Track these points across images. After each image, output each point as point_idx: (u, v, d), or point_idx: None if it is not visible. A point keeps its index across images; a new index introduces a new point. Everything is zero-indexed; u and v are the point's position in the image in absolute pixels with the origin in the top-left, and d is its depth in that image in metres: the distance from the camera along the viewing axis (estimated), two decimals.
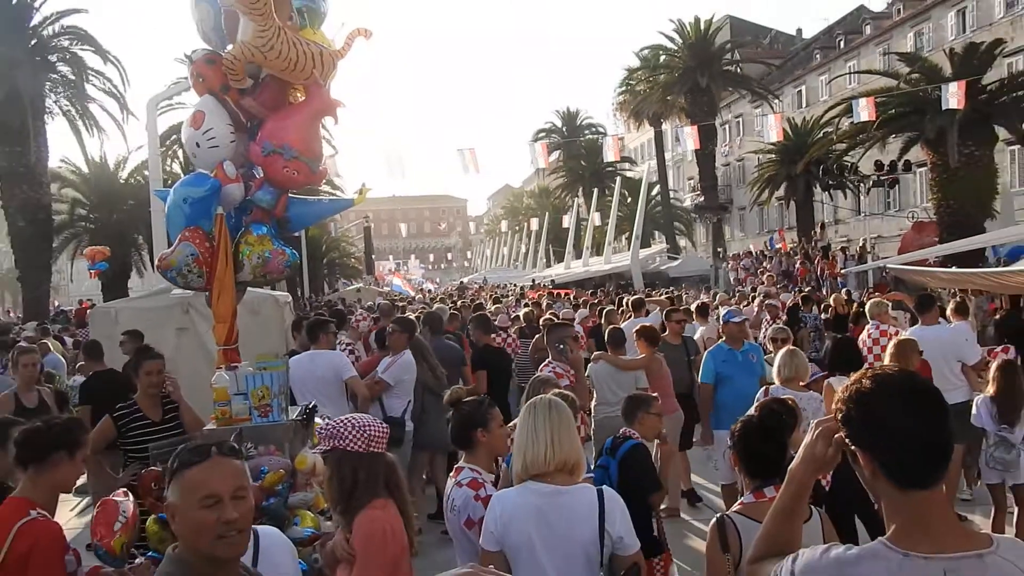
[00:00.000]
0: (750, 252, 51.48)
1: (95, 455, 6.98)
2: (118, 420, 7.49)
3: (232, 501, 2.91)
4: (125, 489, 5.06)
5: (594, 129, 76.46)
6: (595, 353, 11.56)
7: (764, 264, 43.46)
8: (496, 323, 17.44)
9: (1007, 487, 8.91)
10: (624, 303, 19.65)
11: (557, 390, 6.13)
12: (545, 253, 69.14)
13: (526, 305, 23.82)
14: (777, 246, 44.75)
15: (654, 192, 57.78)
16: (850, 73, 49.84)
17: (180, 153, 37.60)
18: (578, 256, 54.90)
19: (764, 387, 9.15)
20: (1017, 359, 11.07)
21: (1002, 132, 29.28)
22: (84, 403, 10.03)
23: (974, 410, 9.13)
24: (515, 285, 48.12)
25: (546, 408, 4.53)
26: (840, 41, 59.44)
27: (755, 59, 64.56)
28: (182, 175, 8.71)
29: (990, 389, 9.08)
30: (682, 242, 64.14)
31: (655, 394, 7.36)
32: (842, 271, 33.21)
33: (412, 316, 14.10)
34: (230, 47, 6.92)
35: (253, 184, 7.19)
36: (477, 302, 25.17)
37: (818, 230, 46.28)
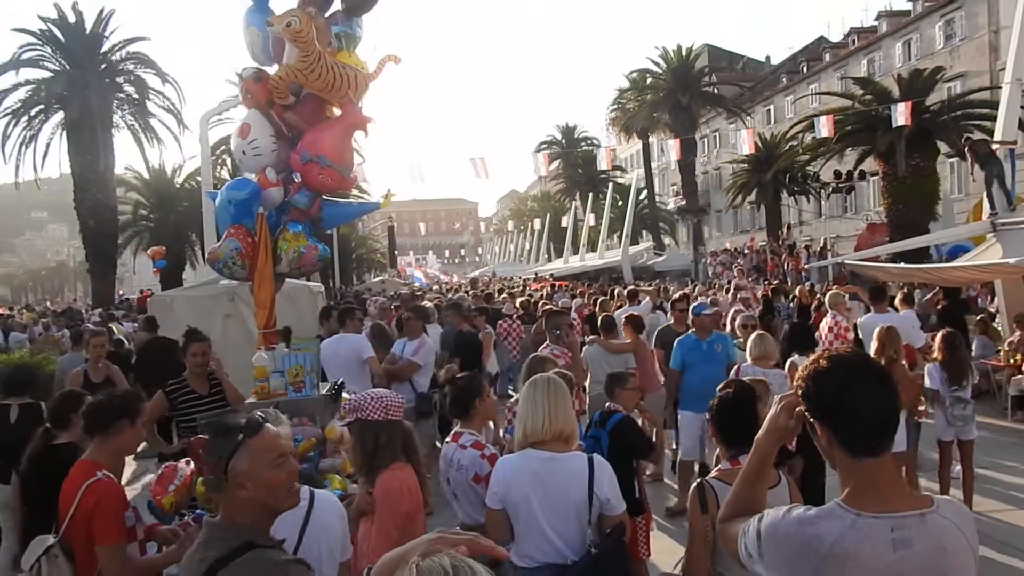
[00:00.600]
0: (726, 249, 51.45)
1: (149, 424, 6.97)
2: (170, 394, 7.50)
3: (292, 458, 2.98)
4: (188, 458, 5.04)
5: (589, 141, 76.33)
6: (590, 338, 11.54)
7: (738, 260, 43.43)
8: (503, 311, 17.55)
9: (955, 443, 8.95)
10: (616, 294, 19.66)
11: (556, 369, 6.13)
12: (546, 250, 69.03)
13: (529, 295, 23.86)
14: (748, 246, 44.74)
15: (642, 196, 57.69)
16: (812, 94, 49.68)
17: (228, 161, 37.68)
18: (575, 252, 54.81)
19: (736, 366, 9.15)
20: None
21: (943, 146, 29.29)
22: (139, 363, 10.24)
23: (926, 376, 9.17)
24: (520, 278, 48.13)
25: (545, 384, 4.56)
26: (803, 67, 59.49)
27: (730, 82, 64.53)
28: (229, 180, 8.70)
29: (937, 356, 9.17)
30: (666, 240, 64.04)
31: (632, 371, 7.32)
32: (805, 266, 33.14)
33: (429, 304, 14.14)
34: (276, 68, 6.92)
35: (292, 188, 7.20)
36: (488, 292, 25.19)
37: (785, 230, 46.16)
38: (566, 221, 60.50)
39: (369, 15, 7.38)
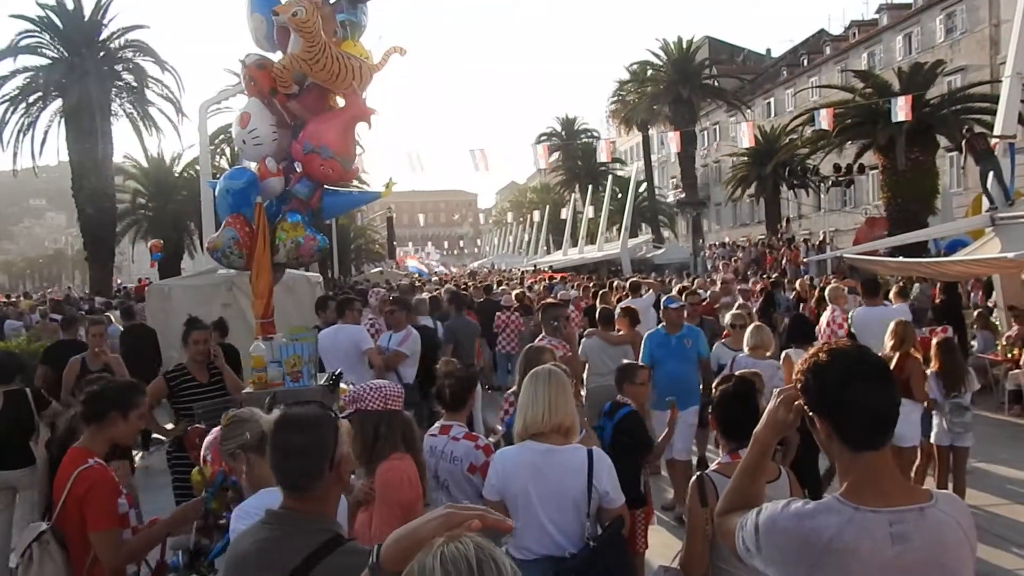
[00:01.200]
0: (724, 243, 51.48)
1: (150, 409, 6.98)
2: (171, 381, 7.51)
3: None
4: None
5: (589, 133, 76.09)
6: (588, 330, 11.52)
7: (737, 253, 43.45)
8: (502, 302, 17.57)
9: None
10: (615, 286, 19.68)
11: (554, 362, 6.11)
12: (545, 242, 68.95)
13: (528, 287, 23.89)
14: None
15: (641, 189, 57.59)
16: (812, 87, 49.73)
17: (227, 150, 37.62)
18: (574, 244, 54.72)
19: (732, 356, 9.14)
20: (954, 337, 11.08)
21: (942, 140, 29.28)
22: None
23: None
24: (518, 270, 48.11)
25: (546, 376, 4.55)
26: (804, 60, 59.43)
27: (730, 74, 64.46)
28: (229, 169, 8.68)
29: (934, 365, 9.06)
30: (666, 233, 63.91)
31: (644, 364, 7.27)
32: (804, 260, 33.16)
33: (426, 295, 14.14)
34: (280, 55, 6.91)
35: (292, 177, 7.19)
36: (486, 284, 25.21)
37: (784, 223, 46.21)
38: (565, 213, 60.40)
39: (374, 2, 7.36)
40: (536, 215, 71.05)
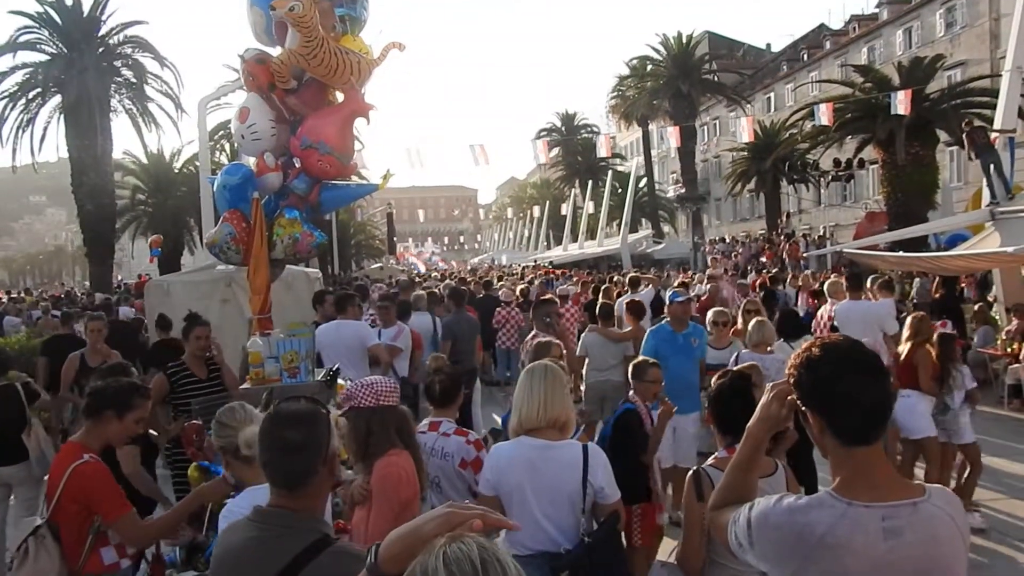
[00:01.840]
0: (724, 238, 51.45)
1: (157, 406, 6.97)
2: (171, 377, 7.50)
3: None
4: None
5: (589, 128, 76.05)
6: (590, 326, 11.50)
7: (737, 248, 43.42)
8: (501, 297, 17.60)
9: (955, 446, 8.81)
10: (614, 281, 19.71)
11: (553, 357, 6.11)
12: (546, 237, 68.93)
13: (529, 282, 23.88)
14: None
15: (641, 184, 57.56)
16: (812, 82, 49.56)
17: (227, 146, 37.60)
18: (574, 240, 54.70)
19: (735, 353, 9.08)
20: (954, 331, 11.06)
21: (942, 135, 29.21)
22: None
23: None
24: (519, 265, 48.11)
25: (542, 372, 4.54)
26: (804, 54, 59.33)
27: (730, 69, 64.35)
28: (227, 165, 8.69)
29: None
30: (665, 228, 63.88)
31: (654, 361, 7.14)
32: (804, 255, 33.14)
33: (424, 292, 14.14)
34: (279, 51, 6.90)
35: (291, 173, 7.19)
36: (487, 280, 25.23)
37: (784, 218, 46.18)
38: (565, 209, 60.36)
39: None
40: (536, 211, 71.07)
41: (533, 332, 9.96)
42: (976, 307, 16.78)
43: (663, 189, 68.19)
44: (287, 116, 7.32)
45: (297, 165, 7.20)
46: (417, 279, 30.41)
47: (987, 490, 9.32)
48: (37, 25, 37.67)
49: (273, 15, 6.73)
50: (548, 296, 13.21)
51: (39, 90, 37.52)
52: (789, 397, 2.64)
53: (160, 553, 4.73)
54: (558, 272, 34.65)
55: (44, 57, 37.71)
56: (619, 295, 15.98)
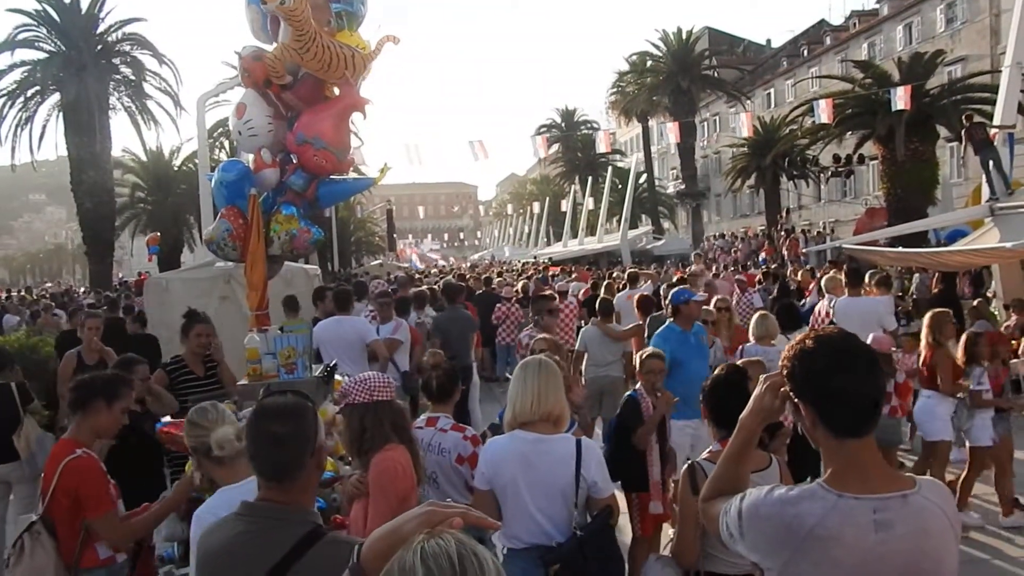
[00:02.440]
0: (723, 234, 51.43)
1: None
2: (170, 373, 7.51)
3: None
4: None
5: (589, 124, 76.02)
6: (591, 320, 11.51)
7: (736, 244, 43.41)
8: (501, 294, 17.65)
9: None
10: (613, 277, 19.72)
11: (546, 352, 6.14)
12: (546, 233, 68.93)
13: (529, 277, 23.92)
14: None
15: (641, 180, 57.48)
16: (812, 78, 49.57)
17: (226, 143, 37.59)
18: (574, 236, 54.70)
19: (740, 346, 9.13)
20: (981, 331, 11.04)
21: (942, 131, 29.21)
22: None
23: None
24: (518, 262, 48.10)
25: (536, 366, 4.55)
26: (804, 50, 59.23)
27: (730, 65, 64.23)
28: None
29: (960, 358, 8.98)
30: (665, 224, 63.82)
31: (659, 352, 7.19)
32: (804, 250, 33.15)
33: (425, 288, 14.19)
34: (273, 47, 6.90)
35: (288, 169, 7.19)
36: (486, 276, 25.26)
37: (784, 214, 46.15)
38: (565, 205, 60.34)
39: None
40: (536, 207, 71.08)
41: (527, 328, 10.01)
42: (976, 302, 16.76)
43: (663, 185, 68.15)
44: (284, 112, 7.32)
45: (294, 161, 7.20)
46: (416, 276, 30.40)
47: (986, 484, 9.31)
48: (36, 23, 37.65)
49: (264, 9, 6.73)
50: (546, 292, 13.22)
51: (38, 88, 37.52)
52: (782, 389, 2.64)
53: (152, 546, 4.75)
54: (557, 268, 34.63)
55: (43, 55, 37.70)
56: (618, 291, 15.99)
